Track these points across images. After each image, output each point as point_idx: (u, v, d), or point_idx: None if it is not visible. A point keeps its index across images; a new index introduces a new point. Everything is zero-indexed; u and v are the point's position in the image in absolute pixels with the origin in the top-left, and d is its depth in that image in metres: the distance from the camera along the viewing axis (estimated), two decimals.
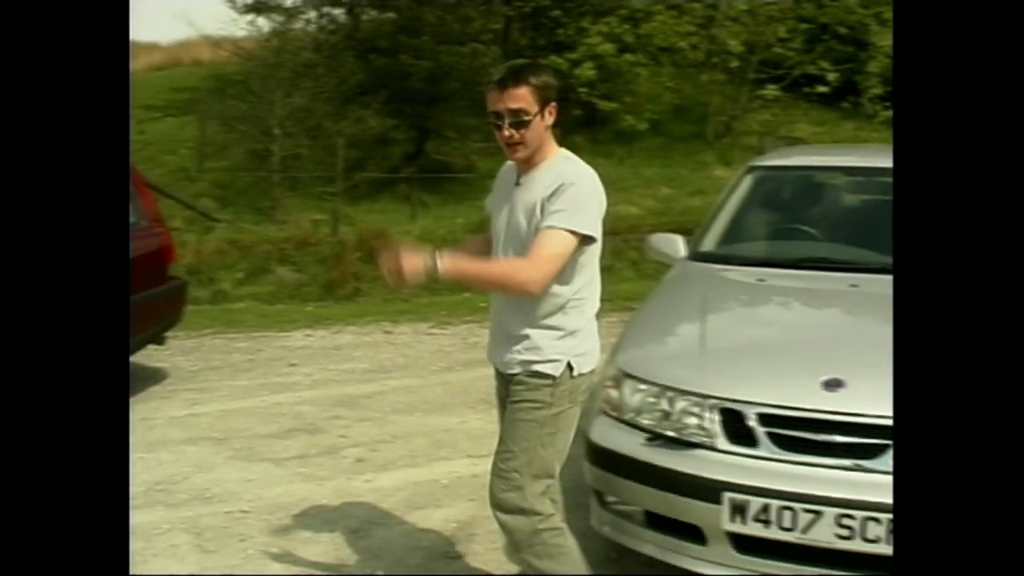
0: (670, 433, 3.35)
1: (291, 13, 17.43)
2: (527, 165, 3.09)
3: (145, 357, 7.18)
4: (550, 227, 2.91)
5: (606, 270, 10.79)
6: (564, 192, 2.93)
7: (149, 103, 19.92)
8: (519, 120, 2.95)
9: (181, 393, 6.63)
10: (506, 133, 2.98)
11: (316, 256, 11.41)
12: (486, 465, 4.96)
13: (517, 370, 3.09)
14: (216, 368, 7.34)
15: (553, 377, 3.03)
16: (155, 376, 7.06)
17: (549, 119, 3.03)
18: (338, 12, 17.88)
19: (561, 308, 3.05)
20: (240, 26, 18.27)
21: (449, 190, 14.28)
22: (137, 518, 4.46)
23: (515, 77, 2.97)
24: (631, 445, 3.41)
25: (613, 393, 3.59)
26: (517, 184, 3.12)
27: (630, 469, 3.39)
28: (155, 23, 47.57)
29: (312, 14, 17.69)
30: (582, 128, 16.65)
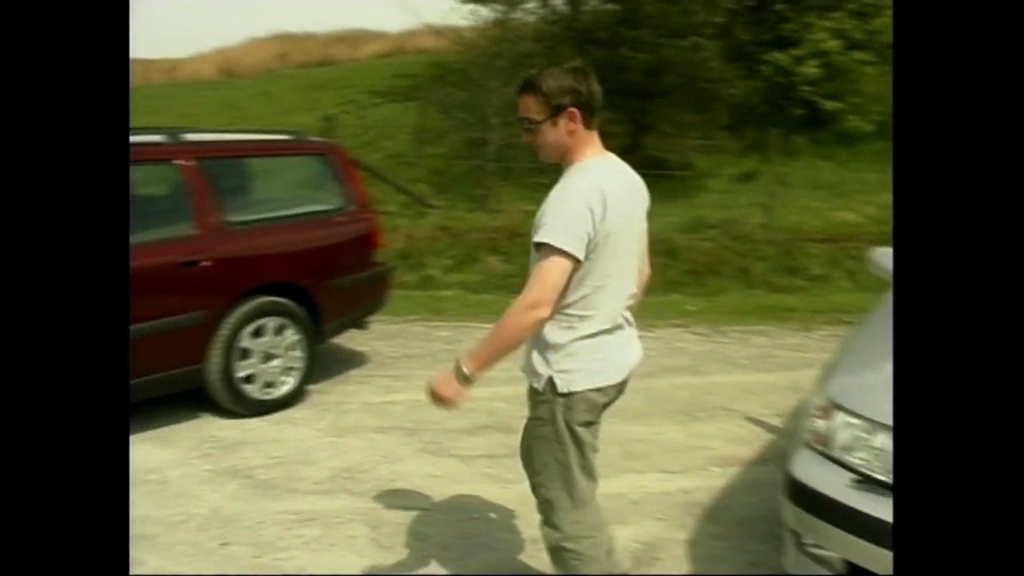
0: (881, 477, 3.00)
1: (513, 3, 17.40)
2: (563, 168, 3.09)
3: (347, 340, 7.28)
4: (541, 243, 2.87)
5: (821, 279, 10.22)
6: (547, 207, 2.91)
7: (373, 89, 20.49)
8: (528, 127, 3.02)
9: (378, 379, 6.67)
10: (525, 138, 3.07)
11: (525, 247, 11.23)
12: (679, 482, 4.78)
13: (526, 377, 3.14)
14: (416, 356, 7.35)
15: (540, 391, 3.04)
16: (354, 360, 7.14)
17: (569, 125, 2.99)
18: (559, 2, 17.78)
19: (550, 320, 2.96)
20: (462, 15, 18.36)
21: (664, 187, 13.86)
22: (320, 504, 4.49)
23: (526, 85, 3.02)
24: (836, 485, 3.08)
25: (820, 424, 3.27)
26: None
27: (833, 512, 3.06)
28: (384, 13, 49.19)
29: (533, 4, 17.63)
30: (804, 128, 15.93)
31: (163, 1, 65.65)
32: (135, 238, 5.54)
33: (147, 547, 4.12)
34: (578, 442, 3.06)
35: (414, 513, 4.42)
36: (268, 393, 5.87)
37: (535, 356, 3.05)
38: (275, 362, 5.88)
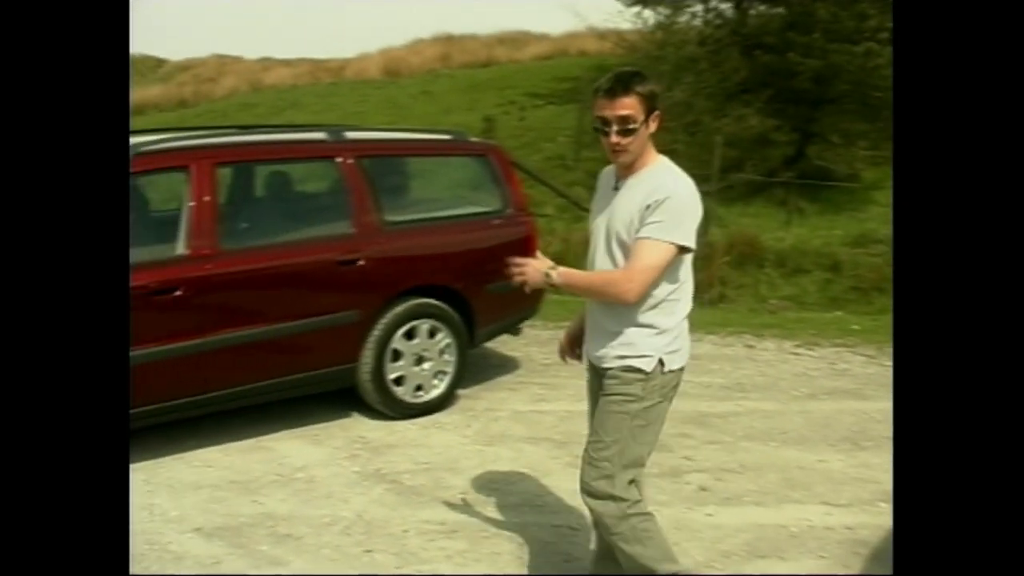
0: None
1: (677, 6, 17.04)
2: (628, 170, 3.21)
3: (500, 345, 7.19)
4: (649, 238, 3.06)
5: None
6: (663, 204, 3.05)
7: (533, 91, 20.43)
8: (626, 128, 3.07)
9: (529, 387, 6.54)
10: (613, 140, 3.10)
11: None
12: (843, 517, 4.49)
13: (611, 364, 3.26)
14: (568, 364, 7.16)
15: (646, 372, 3.20)
16: (506, 366, 7.04)
17: (653, 126, 3.14)
18: (725, 6, 17.25)
19: (655, 308, 3.20)
20: (626, 18, 18.07)
21: (828, 198, 13.39)
22: (465, 515, 4.38)
23: (623, 86, 3.07)
24: None
25: None
26: (616, 188, 3.27)
27: None
28: (546, 15, 49.29)
29: (698, 7, 17.24)
30: None
31: (332, 3, 67.42)
32: (298, 235, 5.58)
33: (293, 548, 4.09)
34: (661, 420, 3.30)
35: (561, 531, 4.26)
36: (418, 396, 5.81)
37: (644, 340, 3.21)
38: (426, 365, 5.81)
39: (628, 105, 3.05)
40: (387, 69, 26.96)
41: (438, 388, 5.89)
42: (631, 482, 3.23)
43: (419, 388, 5.80)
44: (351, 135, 5.92)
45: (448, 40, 29.39)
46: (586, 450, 3.30)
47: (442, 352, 5.88)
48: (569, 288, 3.24)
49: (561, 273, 3.19)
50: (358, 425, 5.66)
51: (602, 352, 3.28)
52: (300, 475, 4.92)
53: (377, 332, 5.55)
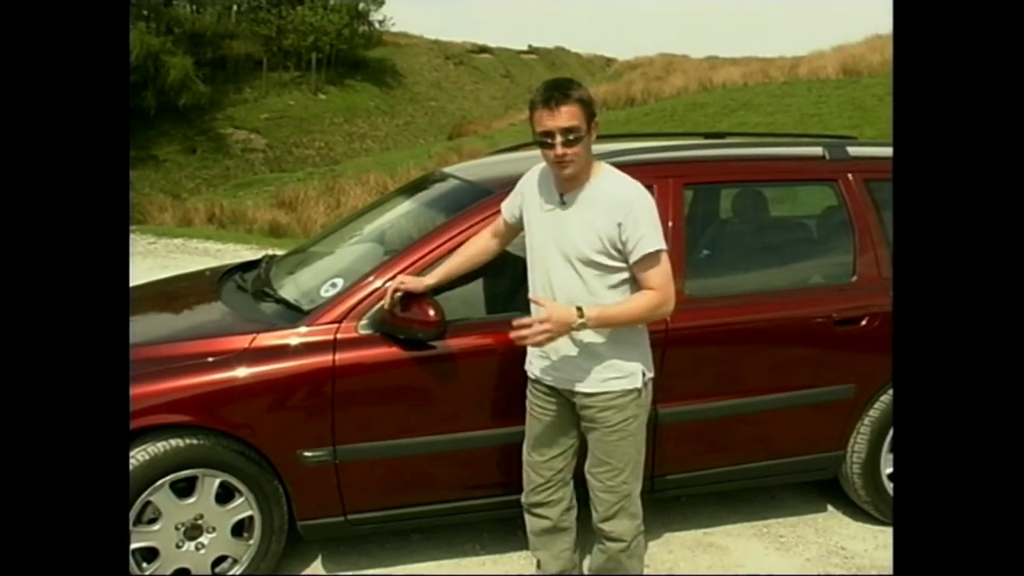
0: None
1: None
2: (573, 183, 3.06)
3: None
4: (653, 250, 2.99)
5: None
6: (637, 215, 2.97)
7: None
8: (571, 138, 2.93)
9: None
10: (559, 151, 2.94)
11: None
12: None
13: (595, 389, 3.12)
14: None
15: (639, 390, 3.14)
16: None
17: (594, 134, 3.02)
18: None
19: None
20: None
21: None
22: None
23: (564, 95, 2.93)
24: None
25: None
26: (563, 203, 3.10)
27: None
28: None
29: None
30: None
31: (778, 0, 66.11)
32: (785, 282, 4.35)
33: None
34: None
35: None
36: None
37: (625, 359, 3.12)
38: None
39: (570, 114, 2.92)
40: (845, 68, 25.03)
41: None
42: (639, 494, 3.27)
43: None
44: (856, 150, 4.48)
45: None
46: (594, 481, 3.23)
47: None
48: (605, 325, 3.03)
49: (593, 311, 2.96)
50: (837, 527, 4.40)
51: (577, 375, 3.14)
52: None
53: (874, 414, 4.21)
